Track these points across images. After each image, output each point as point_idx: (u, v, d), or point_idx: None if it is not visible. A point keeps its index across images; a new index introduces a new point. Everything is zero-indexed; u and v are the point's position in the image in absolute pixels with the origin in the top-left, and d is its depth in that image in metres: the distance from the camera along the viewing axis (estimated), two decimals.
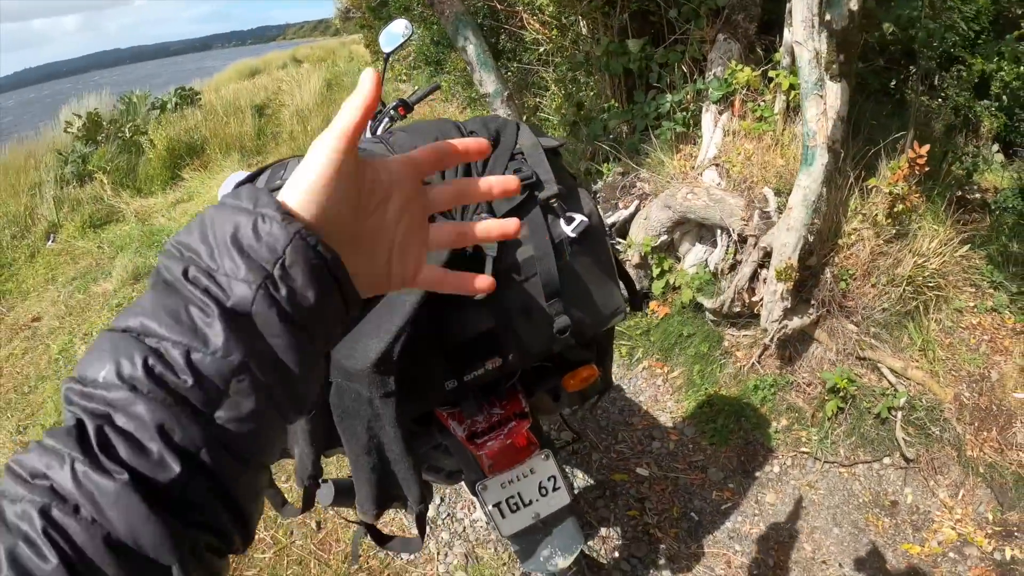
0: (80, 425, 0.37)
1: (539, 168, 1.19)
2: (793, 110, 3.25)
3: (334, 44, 22.45)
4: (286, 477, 2.63)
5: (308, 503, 1.37)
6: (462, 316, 1.15)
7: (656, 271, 3.27)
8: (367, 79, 0.46)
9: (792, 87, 3.15)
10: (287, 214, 0.41)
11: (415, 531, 1.35)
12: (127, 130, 7.82)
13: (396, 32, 2.23)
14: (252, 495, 0.43)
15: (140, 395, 0.37)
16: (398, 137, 1.21)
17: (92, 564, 0.34)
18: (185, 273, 0.40)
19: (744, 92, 3.33)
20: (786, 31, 3.21)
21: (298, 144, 7.89)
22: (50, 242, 6.15)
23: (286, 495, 1.51)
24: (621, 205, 3.46)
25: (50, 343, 4.30)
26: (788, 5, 3.12)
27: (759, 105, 3.31)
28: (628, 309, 1.36)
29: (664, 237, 3.20)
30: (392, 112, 2.02)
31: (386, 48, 2.27)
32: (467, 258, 1.07)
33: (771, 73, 3.27)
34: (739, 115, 3.33)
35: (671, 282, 3.24)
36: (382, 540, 1.47)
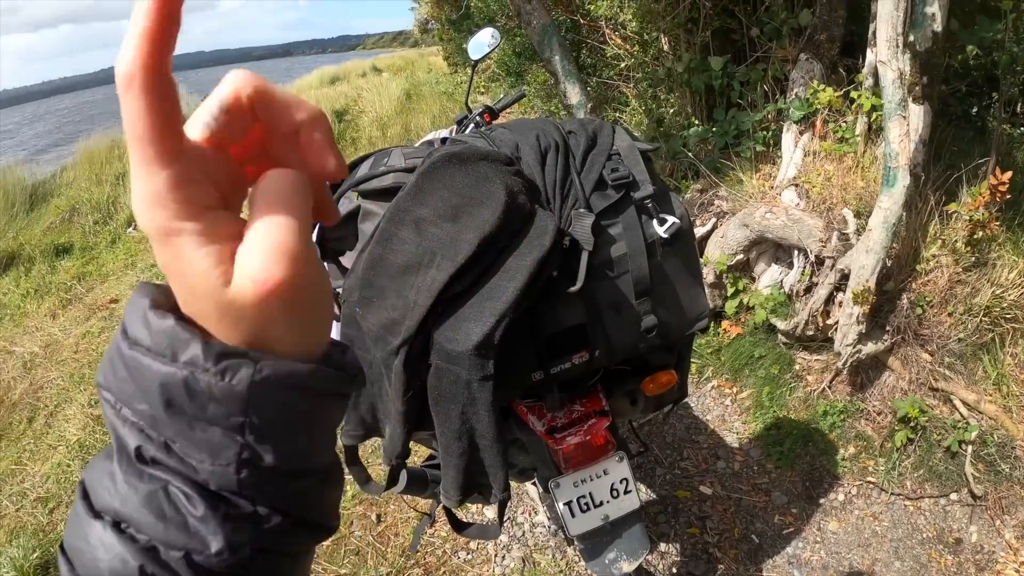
0: None
1: (635, 169, 1.22)
2: (875, 132, 3.18)
3: (413, 55, 22.96)
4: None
5: (393, 481, 1.40)
6: (555, 309, 1.17)
7: (731, 290, 3.23)
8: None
9: (874, 108, 3.09)
10: (221, 356, 0.30)
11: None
12: None
13: (483, 41, 2.30)
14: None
15: None
16: (498, 133, 1.24)
17: None
18: (139, 453, 0.31)
19: (826, 112, 3.29)
20: (869, 52, 3.16)
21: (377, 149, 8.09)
22: (131, 229, 6.46)
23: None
24: (698, 222, 3.43)
25: None
26: (872, 26, 3.08)
27: (840, 126, 3.26)
28: (711, 315, 1.37)
29: (740, 256, 3.17)
30: (478, 118, 2.08)
31: (474, 56, 2.34)
32: (564, 252, 1.10)
33: (853, 94, 3.22)
34: (820, 135, 3.28)
35: (745, 302, 3.19)
36: (460, 526, 1.50)
